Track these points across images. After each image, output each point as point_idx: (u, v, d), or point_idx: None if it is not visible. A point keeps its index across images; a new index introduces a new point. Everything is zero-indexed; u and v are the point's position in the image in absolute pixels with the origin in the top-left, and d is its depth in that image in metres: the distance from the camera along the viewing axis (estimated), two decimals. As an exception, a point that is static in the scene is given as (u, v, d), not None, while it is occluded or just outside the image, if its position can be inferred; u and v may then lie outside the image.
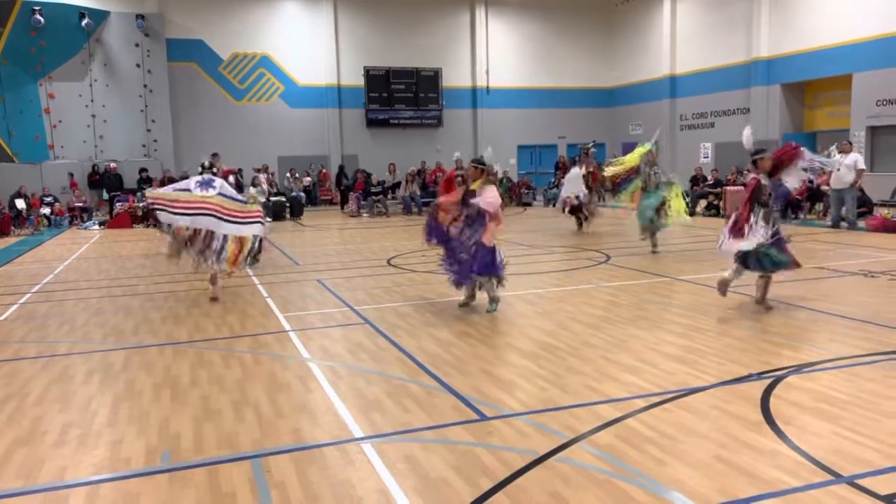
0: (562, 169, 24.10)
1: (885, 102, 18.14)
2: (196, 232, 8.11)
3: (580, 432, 4.08)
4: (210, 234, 8.14)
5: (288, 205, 20.36)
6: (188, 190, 8.36)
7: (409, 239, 14.56)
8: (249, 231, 8.33)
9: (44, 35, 20.93)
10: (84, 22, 21.17)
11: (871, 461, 3.60)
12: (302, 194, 21.79)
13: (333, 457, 3.87)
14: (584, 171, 19.44)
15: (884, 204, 16.44)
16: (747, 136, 7.17)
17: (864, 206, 15.17)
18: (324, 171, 24.48)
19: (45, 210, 19.53)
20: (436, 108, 26.22)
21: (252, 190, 19.96)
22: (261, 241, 8.48)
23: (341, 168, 23.80)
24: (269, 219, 18.88)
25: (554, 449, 3.85)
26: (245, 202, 8.64)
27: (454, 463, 3.72)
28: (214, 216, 8.18)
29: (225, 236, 8.16)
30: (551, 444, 3.91)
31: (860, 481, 3.38)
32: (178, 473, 3.72)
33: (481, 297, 7.58)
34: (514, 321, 7.01)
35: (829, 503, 3.20)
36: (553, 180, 24.17)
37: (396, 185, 22.21)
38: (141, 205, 19.27)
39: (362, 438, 4.10)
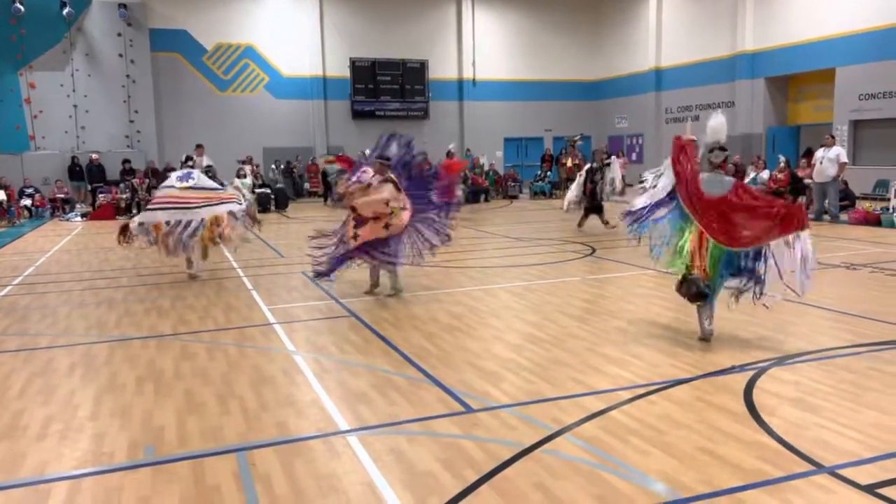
0: (548, 161, 24.21)
1: (867, 97, 18.31)
2: (176, 224, 8.78)
3: (565, 424, 4.09)
4: (188, 223, 8.79)
5: (273, 197, 20.24)
6: (172, 186, 9.08)
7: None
8: (224, 209, 8.99)
9: (24, 24, 20.64)
10: (65, 11, 20.89)
11: (853, 451, 3.65)
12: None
13: (319, 450, 3.86)
14: (570, 163, 19.53)
15: (865, 197, 16.63)
16: (720, 125, 5.75)
17: (847, 199, 15.33)
18: (314, 162, 24.28)
19: (27, 201, 19.31)
20: (422, 100, 26.15)
21: (237, 181, 19.84)
22: (245, 216, 9.23)
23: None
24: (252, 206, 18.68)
25: (539, 441, 3.86)
26: (222, 189, 9.42)
27: (440, 455, 3.73)
28: (188, 207, 8.89)
29: (202, 220, 8.84)
30: (537, 436, 3.92)
31: (841, 471, 3.42)
32: (161, 467, 3.69)
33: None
34: (499, 313, 7.02)
35: (811, 493, 3.24)
36: (539, 173, 24.21)
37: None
38: (124, 196, 19.11)
39: (348, 431, 4.10)
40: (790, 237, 5.36)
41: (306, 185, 24.15)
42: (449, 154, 17.93)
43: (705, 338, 5.76)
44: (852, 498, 3.18)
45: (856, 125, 18.77)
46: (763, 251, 5.46)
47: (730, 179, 5.60)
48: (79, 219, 18.68)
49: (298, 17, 24.53)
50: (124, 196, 19.13)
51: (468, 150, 25.50)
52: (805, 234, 5.39)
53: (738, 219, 5.44)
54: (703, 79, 23.38)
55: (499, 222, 15.87)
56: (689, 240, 5.61)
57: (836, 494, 3.22)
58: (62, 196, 20.03)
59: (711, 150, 5.67)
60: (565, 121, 27.52)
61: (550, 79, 27.60)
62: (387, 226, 7.53)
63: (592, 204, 13.39)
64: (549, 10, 27.37)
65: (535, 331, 6.27)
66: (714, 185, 5.54)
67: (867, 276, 8.44)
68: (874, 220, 13.49)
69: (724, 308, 6.95)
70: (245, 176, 19.99)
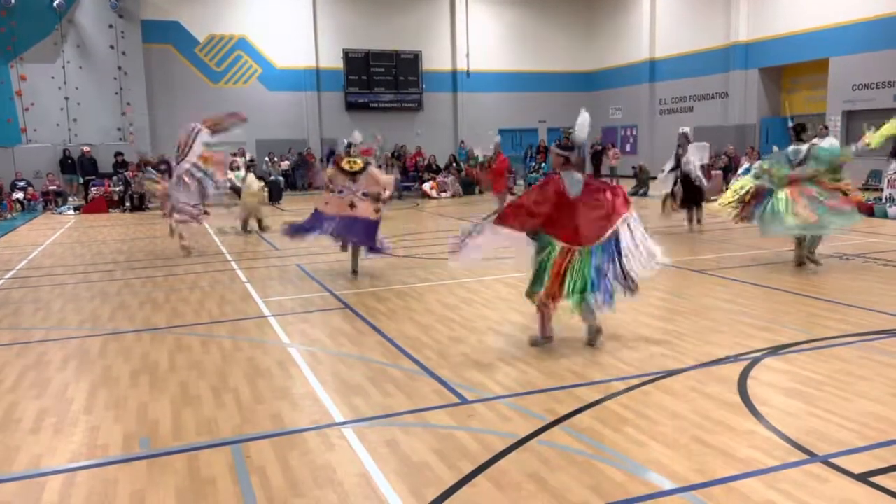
0: (542, 153, 24.18)
1: (860, 87, 18.34)
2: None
3: (560, 415, 4.10)
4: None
5: (267, 189, 20.15)
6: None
7: (388, 223, 14.48)
8: None
9: (14, 15, 20.49)
10: (56, 2, 20.74)
11: (846, 441, 3.66)
12: (281, 178, 21.61)
13: (314, 442, 3.86)
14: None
15: (858, 188, 16.65)
16: (584, 123, 5.38)
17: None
18: (309, 152, 24.22)
19: (19, 195, 19.20)
20: (416, 92, 26.08)
21: (230, 174, 19.73)
22: None
23: (332, 152, 23.60)
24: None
25: (534, 431, 3.87)
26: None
27: (435, 446, 3.73)
28: None
29: None
30: (532, 427, 3.93)
31: (834, 460, 3.44)
32: (156, 460, 3.69)
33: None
34: (494, 305, 7.02)
35: (805, 482, 3.25)
36: (534, 163, 24.19)
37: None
38: (117, 189, 19.01)
39: (343, 423, 4.10)
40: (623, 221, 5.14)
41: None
42: (496, 147, 17.42)
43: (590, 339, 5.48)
44: (846, 486, 3.20)
45: (849, 115, 18.80)
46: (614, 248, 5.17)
47: (579, 177, 5.24)
48: (71, 212, 18.59)
49: (291, 8, 24.40)
50: (117, 189, 19.03)
51: (462, 142, 25.45)
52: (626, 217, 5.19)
53: (581, 215, 5.16)
54: (698, 70, 23.38)
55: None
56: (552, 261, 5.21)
57: (829, 483, 3.24)
58: (54, 189, 19.92)
59: (570, 149, 5.29)
60: (560, 112, 27.46)
61: (545, 70, 27.55)
62: (352, 205, 8.29)
63: (689, 195, 11.80)
64: (542, 0, 27.28)
65: (530, 322, 6.26)
66: (571, 182, 5.20)
67: (860, 266, 8.46)
68: (867, 211, 13.51)
69: (720, 300, 6.98)
70: (238, 168, 19.91)
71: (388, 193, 8.52)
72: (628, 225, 5.22)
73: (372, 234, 8.39)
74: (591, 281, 5.12)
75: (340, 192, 8.38)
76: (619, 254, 5.19)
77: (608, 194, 5.27)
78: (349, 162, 8.40)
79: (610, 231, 5.17)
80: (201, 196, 10.58)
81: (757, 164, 8.84)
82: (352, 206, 8.30)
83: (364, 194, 8.35)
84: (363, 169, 8.37)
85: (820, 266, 8.25)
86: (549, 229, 5.26)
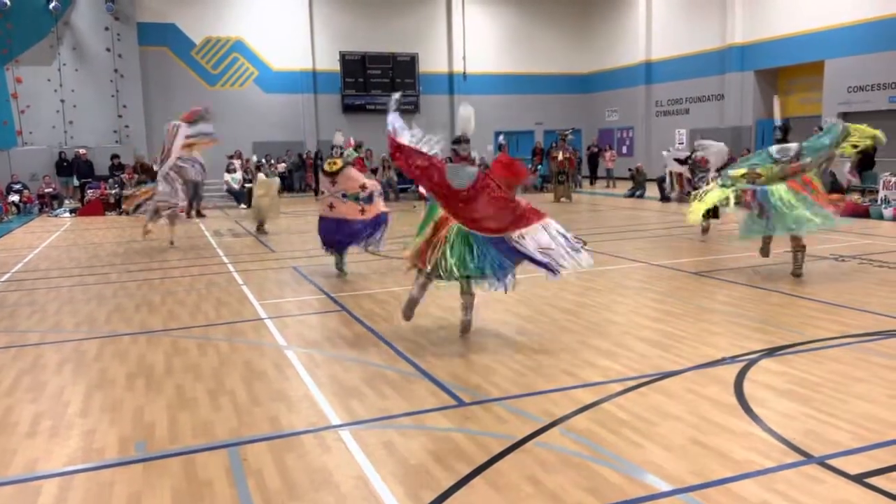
0: (538, 155, 24.23)
1: (855, 89, 18.40)
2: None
3: (557, 417, 4.10)
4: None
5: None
6: None
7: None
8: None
9: (10, 18, 20.45)
10: (52, 5, 20.72)
11: (842, 442, 3.67)
12: (277, 180, 21.59)
13: (311, 444, 3.86)
14: (561, 156, 19.53)
15: (854, 189, 16.71)
16: (466, 116, 5.83)
17: (835, 191, 15.37)
18: (309, 157, 24.26)
19: (14, 197, 19.15)
20: (413, 94, 26.08)
21: (227, 176, 19.77)
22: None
23: (317, 154, 23.62)
24: (243, 206, 18.87)
25: (531, 433, 3.87)
26: None
27: (432, 449, 3.73)
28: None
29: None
30: (529, 429, 3.93)
31: (831, 461, 3.45)
32: (153, 463, 3.68)
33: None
34: (491, 307, 7.01)
35: (801, 483, 3.26)
36: (530, 166, 24.22)
37: (373, 172, 22.10)
38: (113, 192, 18.97)
39: (340, 425, 4.09)
40: (533, 227, 5.46)
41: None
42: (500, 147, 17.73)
43: (463, 329, 5.90)
44: (842, 487, 3.21)
45: (844, 118, 18.85)
46: (511, 245, 5.45)
47: (473, 169, 5.59)
48: (67, 214, 18.55)
49: (287, 10, 24.38)
50: (113, 191, 18.99)
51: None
52: (545, 221, 5.55)
53: (482, 207, 5.45)
54: (693, 72, 23.44)
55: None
56: (426, 231, 5.65)
57: (825, 484, 3.24)
58: (50, 192, 19.87)
59: (458, 142, 5.71)
60: (556, 114, 27.53)
61: (541, 72, 27.59)
62: (331, 206, 8.52)
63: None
64: (539, 3, 27.34)
65: (526, 324, 6.28)
66: (457, 174, 5.52)
67: (856, 268, 8.49)
68: (863, 212, 13.58)
69: (716, 302, 6.99)
70: (235, 171, 19.93)
71: (367, 192, 8.47)
72: (542, 227, 5.51)
73: (356, 234, 8.46)
74: (486, 269, 5.43)
75: (323, 192, 8.72)
76: (521, 254, 5.47)
77: (511, 202, 5.47)
78: (329, 163, 8.57)
79: (521, 230, 5.42)
80: (191, 195, 11.54)
81: (730, 171, 8.39)
82: (331, 206, 8.52)
83: (344, 195, 8.44)
84: (341, 170, 8.47)
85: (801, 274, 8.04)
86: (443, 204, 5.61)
